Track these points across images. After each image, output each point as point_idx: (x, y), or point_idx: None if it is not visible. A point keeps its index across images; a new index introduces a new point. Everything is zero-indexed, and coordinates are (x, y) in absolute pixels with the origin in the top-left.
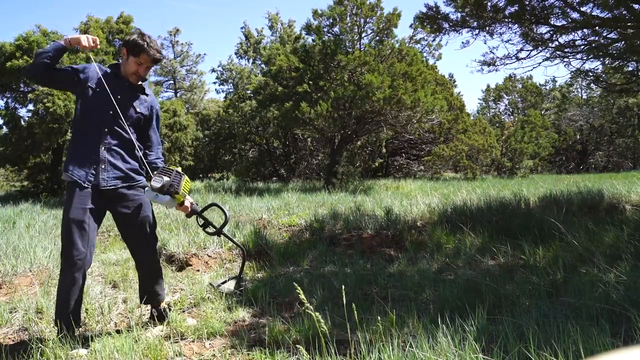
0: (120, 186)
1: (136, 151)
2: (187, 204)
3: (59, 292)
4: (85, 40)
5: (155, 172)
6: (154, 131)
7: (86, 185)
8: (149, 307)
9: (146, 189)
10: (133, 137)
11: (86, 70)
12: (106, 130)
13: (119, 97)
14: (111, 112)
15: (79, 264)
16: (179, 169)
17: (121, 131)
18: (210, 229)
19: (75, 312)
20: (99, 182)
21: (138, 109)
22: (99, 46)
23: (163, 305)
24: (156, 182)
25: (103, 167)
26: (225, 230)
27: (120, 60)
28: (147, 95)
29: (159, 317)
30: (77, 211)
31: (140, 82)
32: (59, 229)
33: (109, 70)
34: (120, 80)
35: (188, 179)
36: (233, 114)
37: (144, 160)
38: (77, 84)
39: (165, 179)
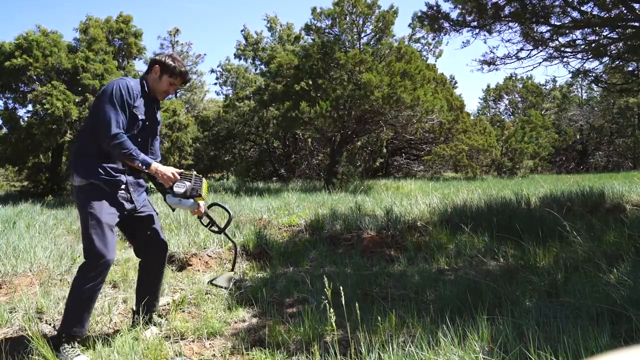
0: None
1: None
2: (201, 205)
3: (80, 294)
4: (168, 180)
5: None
6: (158, 140)
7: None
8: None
9: (168, 195)
10: (151, 147)
11: (130, 91)
12: (139, 143)
13: (151, 116)
14: (144, 129)
15: (108, 266)
16: (196, 173)
17: (146, 143)
18: (215, 228)
19: (88, 316)
20: (135, 206)
21: (159, 126)
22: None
23: (155, 316)
24: (179, 188)
25: (132, 189)
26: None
27: (146, 76)
28: (160, 108)
29: (149, 320)
30: (109, 217)
31: None
32: (59, 229)
33: (139, 88)
34: (150, 99)
35: (207, 182)
36: (233, 114)
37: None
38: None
39: (187, 184)
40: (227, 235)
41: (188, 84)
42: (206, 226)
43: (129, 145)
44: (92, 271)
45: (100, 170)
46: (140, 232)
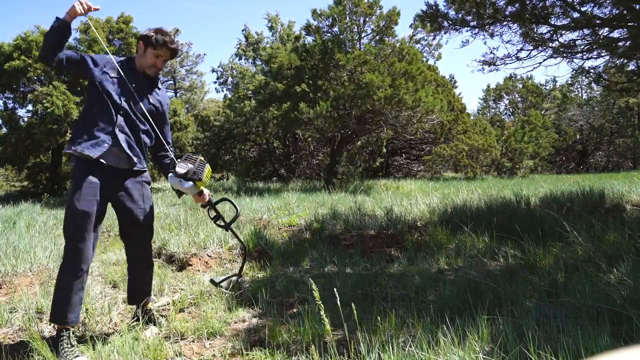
0: (127, 168)
1: (144, 143)
2: (205, 193)
3: (58, 282)
4: (79, 5)
5: (180, 160)
6: (167, 129)
7: (93, 155)
8: (133, 307)
9: (170, 175)
10: (144, 127)
11: (102, 58)
12: (120, 113)
13: (134, 85)
14: (125, 99)
15: (81, 252)
16: (202, 158)
17: (134, 117)
18: (220, 222)
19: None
20: (109, 160)
21: (151, 100)
22: (98, 8)
23: (150, 306)
24: (181, 169)
25: (116, 143)
26: (232, 226)
27: (135, 55)
28: (159, 89)
29: (149, 320)
30: (86, 203)
31: (154, 76)
32: (59, 229)
33: (124, 62)
34: (136, 73)
35: (210, 169)
36: (233, 114)
37: (158, 161)
38: (91, 70)
39: (190, 165)
40: (235, 234)
41: (176, 58)
42: (212, 219)
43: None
44: (66, 257)
45: (81, 133)
46: (128, 224)
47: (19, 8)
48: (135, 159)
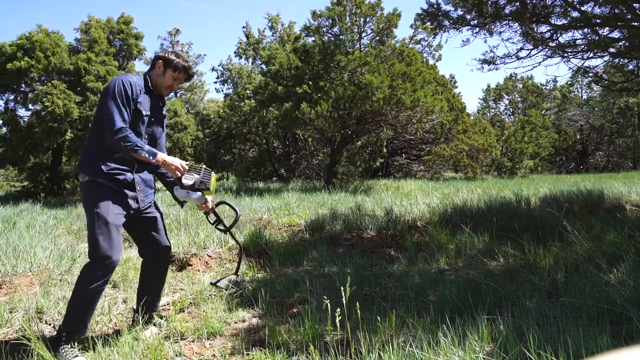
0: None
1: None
2: (209, 199)
3: (83, 295)
4: (176, 171)
5: (185, 172)
6: (164, 136)
7: (119, 190)
8: (133, 307)
9: (175, 188)
10: (156, 143)
11: (134, 87)
12: (145, 138)
13: (156, 111)
14: (148, 125)
15: (114, 267)
16: (205, 166)
17: (150, 138)
18: (221, 226)
19: (90, 318)
20: (139, 206)
21: (165, 121)
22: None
23: (155, 316)
24: (188, 180)
25: (139, 188)
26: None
27: (150, 72)
28: (164, 104)
29: (149, 320)
30: (115, 217)
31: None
32: (59, 229)
33: (142, 84)
34: (153, 95)
35: (215, 176)
36: (233, 113)
37: (159, 174)
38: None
39: (196, 176)
40: (233, 236)
41: (190, 82)
42: (212, 224)
43: (133, 138)
44: (97, 272)
45: (104, 168)
46: (145, 232)
47: (20, 8)
48: (146, 201)
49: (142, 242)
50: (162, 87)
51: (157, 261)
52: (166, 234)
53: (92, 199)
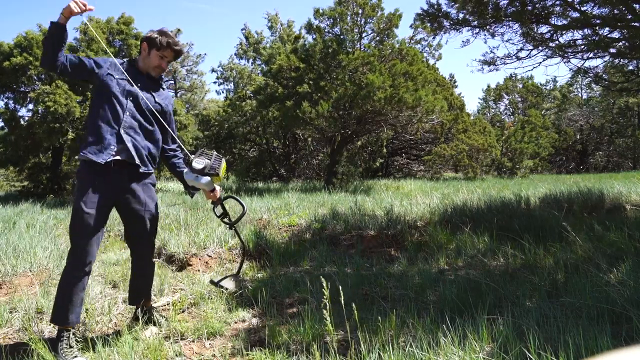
0: (134, 165)
1: (150, 145)
2: (217, 189)
3: (61, 282)
4: (74, 4)
5: (195, 155)
6: (173, 127)
7: (101, 161)
8: (133, 307)
9: (185, 171)
10: (150, 127)
11: (105, 60)
12: (127, 113)
13: (139, 85)
14: (131, 99)
15: (87, 253)
16: (216, 153)
17: (140, 118)
18: (227, 220)
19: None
20: (120, 155)
21: (156, 99)
22: (92, 9)
23: (150, 304)
24: (198, 164)
25: (122, 145)
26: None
27: (138, 56)
28: (163, 89)
29: (149, 320)
30: (92, 204)
31: (158, 77)
32: (59, 229)
33: (126, 63)
34: (140, 74)
35: (225, 163)
36: (233, 114)
37: (166, 160)
38: (95, 73)
39: (206, 161)
40: (238, 234)
41: (179, 58)
42: (219, 217)
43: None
44: (71, 258)
45: (91, 138)
46: (134, 225)
47: (20, 8)
48: (137, 160)
49: (128, 232)
50: (150, 67)
51: (143, 252)
52: (153, 232)
53: (78, 182)
